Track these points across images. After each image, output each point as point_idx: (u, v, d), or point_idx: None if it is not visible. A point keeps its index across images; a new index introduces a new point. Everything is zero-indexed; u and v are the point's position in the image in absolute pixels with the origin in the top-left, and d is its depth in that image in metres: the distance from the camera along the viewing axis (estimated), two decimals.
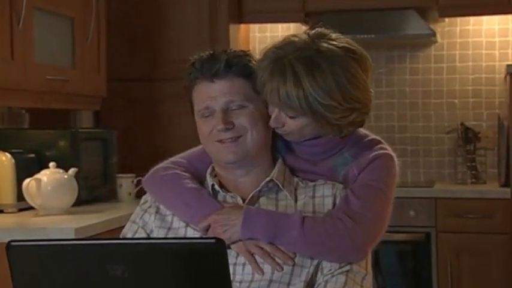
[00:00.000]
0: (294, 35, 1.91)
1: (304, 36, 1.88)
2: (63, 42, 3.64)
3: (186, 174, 1.99)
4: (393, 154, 1.97)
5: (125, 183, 3.82)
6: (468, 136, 4.73)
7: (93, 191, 3.69)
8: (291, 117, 1.86)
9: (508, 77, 4.31)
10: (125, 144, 4.12)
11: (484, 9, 4.52)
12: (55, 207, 3.26)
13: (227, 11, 4.43)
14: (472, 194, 4.37)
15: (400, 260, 4.40)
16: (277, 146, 2.00)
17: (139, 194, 3.88)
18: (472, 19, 4.81)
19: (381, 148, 1.97)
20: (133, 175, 3.82)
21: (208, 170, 2.00)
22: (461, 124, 4.76)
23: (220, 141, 1.91)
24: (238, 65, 1.92)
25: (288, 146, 2.00)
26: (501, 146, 4.46)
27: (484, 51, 4.83)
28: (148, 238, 1.86)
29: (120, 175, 3.85)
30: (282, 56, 1.84)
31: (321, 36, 1.87)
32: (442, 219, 4.33)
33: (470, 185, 4.60)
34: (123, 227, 3.22)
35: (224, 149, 1.91)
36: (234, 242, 1.85)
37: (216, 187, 1.96)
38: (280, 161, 1.99)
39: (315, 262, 1.85)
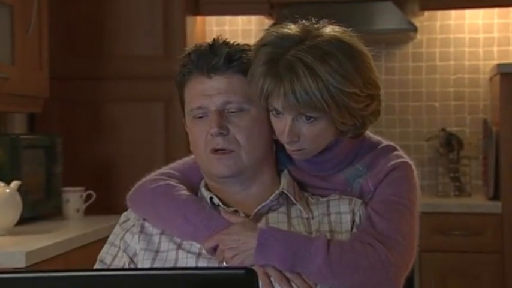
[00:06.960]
0: (282, 27, 1.82)
1: (295, 27, 1.80)
2: (1, 34, 3.46)
3: (181, 185, 1.88)
4: (411, 162, 1.91)
5: (73, 198, 3.68)
6: (451, 143, 4.70)
7: (35, 207, 3.53)
8: (310, 120, 1.76)
9: (498, 78, 4.28)
10: (64, 152, 3.93)
11: (469, 1, 4.49)
12: None
13: (184, 1, 4.30)
14: (458, 208, 4.34)
15: None
16: (279, 159, 1.92)
17: (89, 210, 3.76)
18: (454, 13, 4.79)
19: (397, 156, 1.91)
20: (82, 188, 3.69)
21: (202, 183, 1.91)
22: (443, 130, 4.74)
23: (214, 151, 1.81)
24: (241, 61, 1.83)
25: (292, 160, 1.91)
26: (489, 155, 4.43)
27: (467, 49, 4.81)
28: (162, 268, 1.73)
29: (66, 188, 3.70)
30: (281, 53, 1.75)
31: (313, 25, 1.81)
32: (425, 236, 4.27)
33: (454, 198, 4.58)
34: (76, 249, 3.12)
35: (216, 161, 1.82)
36: None
37: (215, 200, 1.87)
38: (286, 172, 1.91)
39: None
